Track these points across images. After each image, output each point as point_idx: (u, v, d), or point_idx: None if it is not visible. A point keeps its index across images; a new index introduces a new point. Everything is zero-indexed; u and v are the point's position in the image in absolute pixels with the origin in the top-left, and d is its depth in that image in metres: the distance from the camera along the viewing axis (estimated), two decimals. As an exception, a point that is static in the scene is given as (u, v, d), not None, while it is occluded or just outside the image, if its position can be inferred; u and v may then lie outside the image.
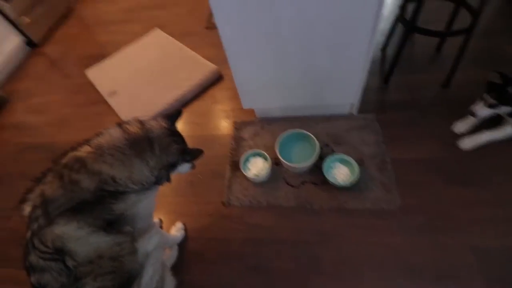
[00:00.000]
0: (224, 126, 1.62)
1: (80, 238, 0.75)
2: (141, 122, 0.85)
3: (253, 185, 1.36)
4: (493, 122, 1.27)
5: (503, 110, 1.19)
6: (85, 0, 2.94)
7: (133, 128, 0.83)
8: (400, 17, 1.45)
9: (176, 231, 1.26)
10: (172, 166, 0.88)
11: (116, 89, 1.88)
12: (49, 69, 2.31)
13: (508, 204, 1.12)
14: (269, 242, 1.20)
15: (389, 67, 1.50)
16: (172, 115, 0.94)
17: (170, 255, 1.19)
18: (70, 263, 0.74)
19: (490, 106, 1.17)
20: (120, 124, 0.84)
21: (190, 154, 0.93)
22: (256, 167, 1.35)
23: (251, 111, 1.63)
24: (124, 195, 0.81)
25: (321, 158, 1.33)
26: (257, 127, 1.55)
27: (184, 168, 0.97)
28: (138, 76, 1.93)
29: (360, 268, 1.09)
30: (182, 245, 1.25)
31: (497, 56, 1.55)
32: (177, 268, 1.16)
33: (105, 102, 1.85)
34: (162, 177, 0.87)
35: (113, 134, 0.82)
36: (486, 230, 1.08)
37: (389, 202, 1.19)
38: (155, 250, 0.99)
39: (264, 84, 1.35)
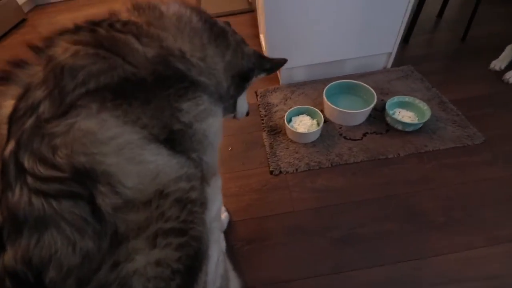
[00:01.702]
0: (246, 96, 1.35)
1: (128, 147, 0.38)
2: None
3: (304, 146, 1.07)
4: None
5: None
6: (39, 10, 2.59)
7: (201, 10, 0.56)
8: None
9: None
10: (246, 75, 0.62)
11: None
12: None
13: None
14: (349, 206, 0.89)
15: (407, 27, 1.49)
16: None
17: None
18: (106, 202, 0.36)
19: None
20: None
21: (270, 62, 0.66)
22: (304, 124, 1.09)
23: (273, 79, 1.42)
24: (195, 93, 0.48)
25: (375, 109, 1.15)
26: (286, 92, 1.32)
27: (242, 104, 0.69)
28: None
29: (475, 210, 0.84)
30: (228, 234, 0.86)
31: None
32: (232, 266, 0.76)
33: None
34: (231, 91, 0.58)
35: (173, 8, 0.52)
36: None
37: (472, 137, 1.02)
38: (216, 220, 0.63)
39: (295, 38, 1.19)
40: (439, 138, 1.03)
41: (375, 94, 1.11)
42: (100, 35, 0.41)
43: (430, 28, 1.65)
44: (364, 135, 1.08)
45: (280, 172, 1.01)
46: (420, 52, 1.47)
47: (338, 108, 1.08)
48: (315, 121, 1.11)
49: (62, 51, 0.38)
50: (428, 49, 1.49)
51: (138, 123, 0.39)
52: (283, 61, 0.68)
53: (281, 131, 1.14)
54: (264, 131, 1.16)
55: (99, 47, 0.40)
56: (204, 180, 0.52)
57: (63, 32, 0.41)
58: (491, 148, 0.99)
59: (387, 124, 1.10)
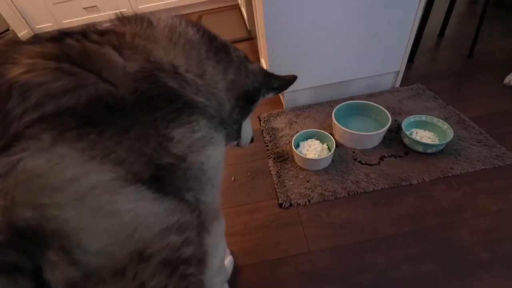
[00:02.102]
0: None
1: (93, 193, 0.28)
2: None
3: (315, 174, 0.96)
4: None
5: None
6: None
7: (198, 23, 0.49)
8: None
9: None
10: (252, 95, 0.54)
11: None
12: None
13: None
14: (376, 243, 0.76)
15: (412, 46, 1.46)
16: None
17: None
18: (58, 276, 0.25)
19: None
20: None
21: (278, 79, 0.58)
22: (314, 149, 0.99)
23: (276, 103, 1.35)
24: (190, 117, 0.39)
25: (389, 130, 1.06)
26: (290, 116, 1.24)
27: (246, 130, 0.61)
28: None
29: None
30: (233, 283, 0.72)
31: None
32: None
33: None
34: (235, 115, 0.50)
35: (165, 20, 0.45)
36: None
37: (502, 157, 0.91)
38: (218, 274, 0.51)
39: (299, 59, 1.14)
40: (465, 159, 0.93)
41: (389, 114, 1.03)
42: (68, 46, 0.32)
43: (433, 47, 1.62)
44: (381, 159, 0.98)
45: (291, 204, 0.89)
46: (427, 71, 1.42)
47: (351, 131, 0.99)
48: (325, 146, 1.01)
49: (15, 65, 0.29)
50: (435, 67, 1.43)
51: (111, 158, 0.29)
52: (292, 78, 0.61)
53: (288, 157, 1.04)
54: (270, 158, 1.05)
55: (64, 60, 0.31)
56: (202, 227, 0.41)
57: (21, 43, 0.32)
58: (527, 168, 0.88)
59: (405, 146, 1.00)
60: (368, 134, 0.98)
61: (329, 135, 1.01)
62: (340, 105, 1.10)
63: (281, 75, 0.60)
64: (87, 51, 0.33)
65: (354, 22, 1.08)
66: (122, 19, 0.41)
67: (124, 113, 0.32)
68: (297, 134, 1.04)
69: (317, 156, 0.96)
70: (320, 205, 0.88)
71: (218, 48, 0.47)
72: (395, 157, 0.98)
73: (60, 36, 0.33)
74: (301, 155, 0.96)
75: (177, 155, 0.36)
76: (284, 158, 1.04)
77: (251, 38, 2.01)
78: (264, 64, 1.36)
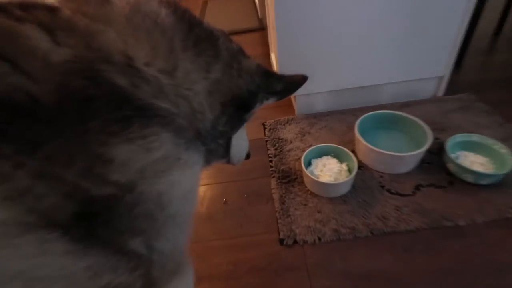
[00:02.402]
0: (251, 129, 1.17)
1: None
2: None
3: (329, 202, 0.84)
4: None
5: None
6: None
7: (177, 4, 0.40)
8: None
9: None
10: (246, 101, 0.45)
11: None
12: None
13: None
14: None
15: (460, 46, 1.33)
16: None
17: None
18: None
19: None
20: None
21: (282, 81, 0.49)
22: (330, 170, 0.87)
23: (286, 107, 1.24)
24: (145, 129, 0.31)
25: (429, 151, 0.92)
26: (303, 125, 1.13)
27: (239, 145, 0.53)
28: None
29: None
30: None
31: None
32: None
33: None
34: (221, 126, 0.42)
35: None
36: None
37: None
38: None
39: (315, 56, 1.04)
40: (532, 197, 0.79)
41: (428, 130, 0.90)
42: None
43: (486, 48, 1.47)
44: (417, 188, 0.85)
45: (295, 241, 0.77)
46: (480, 77, 1.28)
47: (378, 150, 0.86)
48: (344, 166, 0.89)
49: None
50: (489, 73, 1.30)
51: (3, 188, 0.23)
52: (301, 80, 0.51)
53: (296, 178, 0.92)
54: (273, 177, 0.94)
55: None
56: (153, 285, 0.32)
57: None
58: None
59: (450, 174, 0.87)
60: (401, 155, 0.85)
61: (350, 153, 0.89)
62: (366, 115, 0.98)
63: (286, 74, 0.49)
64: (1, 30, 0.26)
65: (388, 13, 0.97)
66: None
67: (37, 121, 0.25)
68: (310, 148, 0.92)
69: (333, 180, 0.84)
70: (333, 245, 0.75)
71: (200, 37, 0.39)
72: (436, 187, 0.84)
73: None
74: (313, 177, 0.84)
75: (120, 183, 0.29)
76: (291, 178, 0.92)
77: (262, 28, 1.93)
78: (273, 60, 1.26)
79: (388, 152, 0.85)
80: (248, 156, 0.61)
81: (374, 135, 0.98)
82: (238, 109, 0.44)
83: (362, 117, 0.97)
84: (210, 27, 0.42)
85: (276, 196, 0.88)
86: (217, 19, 2.14)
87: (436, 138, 0.97)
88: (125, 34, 0.33)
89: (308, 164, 0.91)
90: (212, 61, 0.40)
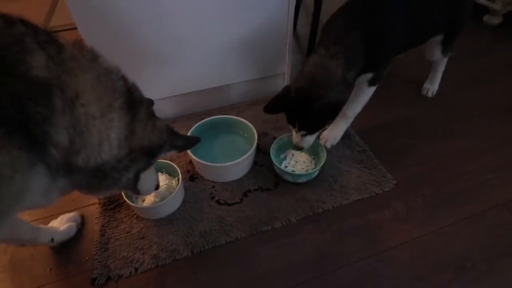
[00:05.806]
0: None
1: None
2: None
3: (155, 225, 0.80)
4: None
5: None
6: None
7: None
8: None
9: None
10: (153, 151, 0.60)
11: None
12: None
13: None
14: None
15: (308, 42, 1.39)
16: None
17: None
18: None
19: None
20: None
21: (182, 139, 0.68)
22: (158, 192, 0.82)
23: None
24: None
25: (259, 149, 0.96)
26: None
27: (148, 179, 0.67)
28: None
29: None
30: None
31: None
32: None
33: None
34: (126, 162, 0.54)
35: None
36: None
37: (380, 183, 0.87)
38: None
39: (137, 61, 0.95)
40: (341, 188, 0.86)
41: (255, 131, 0.91)
42: None
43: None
44: (245, 194, 0.86)
45: (109, 278, 0.71)
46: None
47: (203, 162, 0.84)
48: (174, 183, 0.85)
49: None
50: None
51: None
52: (195, 140, 0.71)
53: (124, 201, 0.85)
54: (99, 203, 0.86)
55: None
56: None
57: None
58: (405, 196, 0.85)
59: (276, 175, 0.91)
60: (225, 165, 0.84)
61: (176, 167, 0.85)
62: (198, 123, 0.94)
63: (186, 135, 0.59)
64: None
65: (219, 18, 0.93)
66: None
67: None
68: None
69: (158, 200, 0.80)
70: (151, 273, 0.72)
71: (115, 88, 0.51)
72: (262, 190, 0.87)
73: None
74: (128, 201, 0.78)
75: None
76: (119, 203, 0.85)
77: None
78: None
79: (211, 164, 0.84)
80: (157, 187, 0.74)
81: (214, 140, 0.97)
82: (146, 155, 0.58)
83: (194, 126, 0.93)
84: (142, 96, 0.58)
85: (97, 227, 0.80)
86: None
87: (274, 137, 0.99)
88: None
89: (136, 184, 0.85)
90: (136, 121, 0.54)
